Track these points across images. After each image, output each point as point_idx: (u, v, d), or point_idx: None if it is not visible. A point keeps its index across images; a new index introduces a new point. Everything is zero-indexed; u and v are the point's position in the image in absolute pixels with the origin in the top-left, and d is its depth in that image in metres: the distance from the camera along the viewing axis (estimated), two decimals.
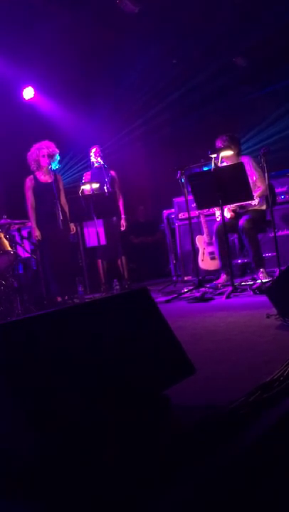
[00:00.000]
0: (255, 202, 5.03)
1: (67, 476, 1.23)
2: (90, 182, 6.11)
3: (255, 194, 4.98)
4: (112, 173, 6.48)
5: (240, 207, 5.20)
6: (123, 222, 6.39)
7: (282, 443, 1.35)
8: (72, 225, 5.91)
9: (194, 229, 5.62)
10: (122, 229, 6.42)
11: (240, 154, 5.33)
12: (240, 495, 1.12)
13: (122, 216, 6.36)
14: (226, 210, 5.15)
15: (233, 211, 5.24)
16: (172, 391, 1.62)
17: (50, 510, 1.13)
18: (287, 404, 1.50)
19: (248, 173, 4.86)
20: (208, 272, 5.88)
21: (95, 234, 5.72)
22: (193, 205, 5.29)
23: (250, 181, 4.86)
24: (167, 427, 1.48)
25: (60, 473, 1.24)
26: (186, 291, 4.98)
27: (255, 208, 5.14)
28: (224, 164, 5.17)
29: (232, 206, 5.20)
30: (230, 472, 1.15)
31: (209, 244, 5.82)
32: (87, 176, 6.51)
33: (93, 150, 6.51)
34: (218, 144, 5.25)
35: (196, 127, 9.03)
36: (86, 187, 6.05)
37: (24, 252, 5.87)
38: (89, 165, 6.72)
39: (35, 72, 7.24)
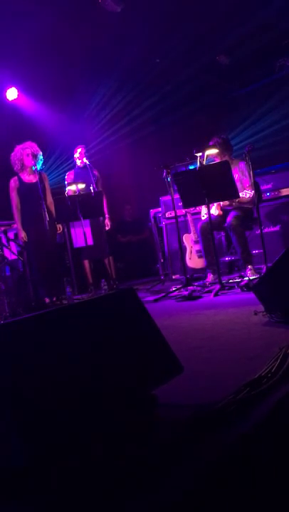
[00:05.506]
0: (250, 193, 4.88)
1: (59, 475, 1.24)
2: (76, 182, 6.08)
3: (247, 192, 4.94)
4: (96, 172, 6.47)
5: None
6: (107, 221, 6.38)
7: (270, 439, 1.36)
8: (58, 225, 5.89)
9: (181, 227, 5.63)
10: (107, 228, 6.41)
11: (231, 157, 5.27)
12: (223, 495, 1.13)
13: (106, 216, 6.35)
14: (213, 207, 5.16)
15: (221, 208, 5.24)
16: (161, 390, 1.62)
17: (46, 509, 1.13)
18: (275, 401, 1.51)
19: (244, 178, 4.85)
20: (195, 271, 5.90)
21: (82, 234, 5.69)
22: (179, 204, 5.30)
23: (247, 184, 4.90)
24: (156, 426, 1.48)
25: (51, 473, 1.24)
26: (174, 290, 4.99)
27: (243, 205, 5.12)
28: (214, 162, 5.15)
29: (221, 202, 5.18)
30: (216, 471, 1.16)
31: (196, 242, 5.84)
32: (70, 175, 6.49)
33: (78, 150, 6.49)
34: (212, 143, 5.25)
35: (180, 126, 9.04)
36: (72, 187, 6.03)
37: (11, 254, 5.83)
38: (74, 165, 6.71)
39: (19, 73, 7.20)
